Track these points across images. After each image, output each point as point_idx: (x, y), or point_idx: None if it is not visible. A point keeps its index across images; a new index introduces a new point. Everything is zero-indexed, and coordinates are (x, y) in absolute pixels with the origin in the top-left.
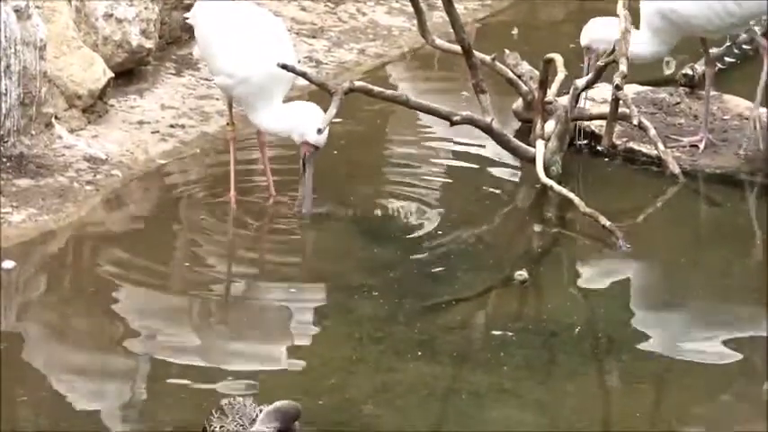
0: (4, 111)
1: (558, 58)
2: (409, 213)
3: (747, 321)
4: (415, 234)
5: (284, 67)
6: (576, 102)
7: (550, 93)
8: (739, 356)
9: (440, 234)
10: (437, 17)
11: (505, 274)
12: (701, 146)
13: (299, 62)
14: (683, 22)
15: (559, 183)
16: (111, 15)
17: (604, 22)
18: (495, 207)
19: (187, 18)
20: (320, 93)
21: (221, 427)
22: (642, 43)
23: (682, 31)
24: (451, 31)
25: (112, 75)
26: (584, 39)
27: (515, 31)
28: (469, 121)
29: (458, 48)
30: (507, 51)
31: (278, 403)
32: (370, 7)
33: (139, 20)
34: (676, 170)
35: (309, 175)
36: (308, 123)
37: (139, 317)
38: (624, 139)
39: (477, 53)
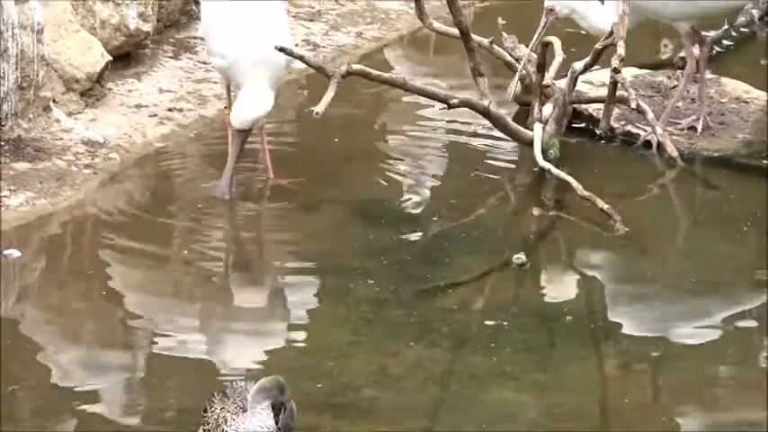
0: (1, 94)
1: (556, 42)
2: (407, 197)
3: (745, 303)
4: (413, 218)
5: (282, 50)
6: (574, 85)
7: (548, 76)
8: (737, 338)
9: (437, 217)
10: (435, 1)
11: (503, 258)
12: (699, 128)
13: (296, 45)
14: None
15: (557, 166)
16: None
17: None
18: (493, 190)
19: None
20: (318, 76)
21: (222, 408)
22: (603, 18)
23: (644, 13)
24: (449, 14)
25: (110, 58)
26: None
27: (503, 22)
28: (467, 105)
29: (455, 31)
30: (505, 35)
31: (259, 384)
32: None
33: (137, 3)
34: (674, 153)
35: (233, 156)
36: (236, 107)
37: (137, 300)
38: (622, 122)
39: (474, 36)
